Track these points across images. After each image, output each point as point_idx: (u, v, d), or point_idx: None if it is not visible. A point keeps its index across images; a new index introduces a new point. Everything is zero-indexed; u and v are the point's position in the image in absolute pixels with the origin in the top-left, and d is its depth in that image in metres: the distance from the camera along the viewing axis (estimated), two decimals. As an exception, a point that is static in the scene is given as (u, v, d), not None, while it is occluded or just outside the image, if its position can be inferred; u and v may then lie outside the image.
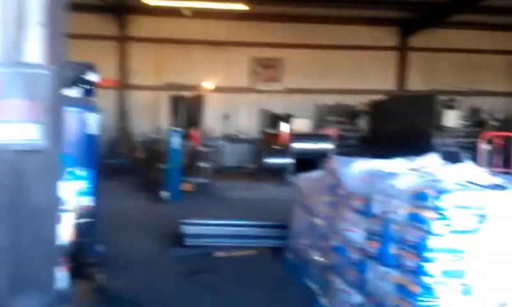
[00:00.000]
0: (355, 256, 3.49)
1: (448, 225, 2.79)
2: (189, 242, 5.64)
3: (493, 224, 2.85)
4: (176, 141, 8.96)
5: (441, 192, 2.79)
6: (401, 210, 3.03)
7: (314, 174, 5.17)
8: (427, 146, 12.86)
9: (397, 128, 13.52)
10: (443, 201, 2.77)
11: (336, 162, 4.18)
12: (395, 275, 3.04)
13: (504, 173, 8.17)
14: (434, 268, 2.80)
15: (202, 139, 10.73)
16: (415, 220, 2.91)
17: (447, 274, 2.81)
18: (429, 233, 2.81)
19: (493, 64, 17.07)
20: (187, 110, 12.27)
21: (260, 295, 4.50)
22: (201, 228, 5.95)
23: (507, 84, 17.21)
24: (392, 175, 3.30)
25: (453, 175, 3.04)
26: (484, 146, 14.70)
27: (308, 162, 11.86)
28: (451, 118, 15.34)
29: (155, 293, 4.47)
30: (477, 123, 16.46)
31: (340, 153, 12.19)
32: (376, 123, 14.62)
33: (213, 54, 14.93)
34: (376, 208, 3.28)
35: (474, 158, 13.36)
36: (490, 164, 8.97)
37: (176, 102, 12.79)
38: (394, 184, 3.12)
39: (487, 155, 13.89)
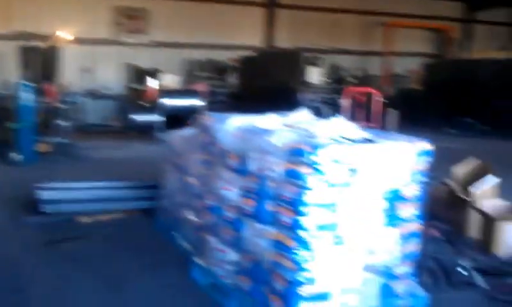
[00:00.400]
0: (231, 214, 3.42)
1: (322, 180, 2.81)
2: (47, 208, 5.06)
3: (363, 177, 2.94)
4: (27, 97, 8.05)
5: (316, 147, 2.79)
6: (277, 167, 2.99)
7: (186, 132, 4.97)
8: (293, 102, 13.36)
9: (265, 84, 13.76)
10: (318, 156, 2.77)
11: (210, 118, 4.02)
12: (271, 231, 3.02)
13: (367, 127, 8.75)
14: (309, 222, 2.82)
15: (59, 94, 9.82)
16: (291, 176, 2.89)
17: (321, 227, 2.85)
18: (305, 188, 2.81)
19: (351, 24, 18.04)
20: (40, 62, 11.15)
21: (132, 261, 4.27)
22: (61, 192, 5.44)
23: (364, 43, 18.33)
24: (266, 131, 3.24)
25: (326, 130, 3.06)
26: (346, 102, 15.64)
27: (177, 118, 11.57)
28: (314, 75, 16.02)
29: (5, 269, 4.00)
30: (337, 79, 17.45)
31: (210, 110, 12.10)
32: (245, 78, 14.74)
33: (70, 0, 13.71)
34: (252, 166, 3.21)
35: (336, 114, 14.22)
36: (353, 119, 9.52)
37: (26, 53, 11.57)
38: (269, 140, 3.06)
39: (349, 110, 14.77)
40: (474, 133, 12.87)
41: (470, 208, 4.88)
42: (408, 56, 18.45)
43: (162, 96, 11.07)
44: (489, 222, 4.59)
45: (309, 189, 2.81)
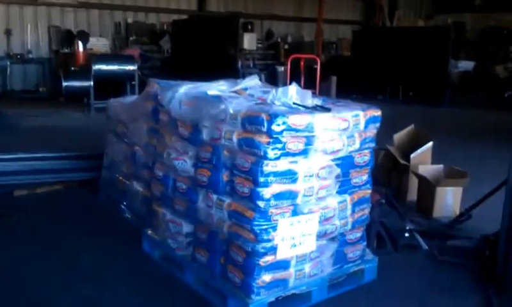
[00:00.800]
0: (184, 185, 3.34)
1: (280, 149, 2.79)
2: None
3: (318, 145, 2.94)
4: None
5: (274, 115, 2.75)
6: (233, 136, 2.93)
7: (128, 99, 4.78)
8: (230, 69, 13.21)
9: (201, 49, 13.49)
10: (277, 125, 2.74)
11: (156, 85, 3.87)
12: (228, 202, 2.98)
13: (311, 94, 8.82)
14: (267, 192, 2.81)
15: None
16: (248, 145, 2.84)
17: (279, 196, 2.84)
18: (262, 157, 2.78)
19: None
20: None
21: (79, 236, 4.10)
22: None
23: (298, 10, 18.40)
24: (219, 99, 3.16)
25: (279, 98, 3.02)
26: (281, 68, 15.68)
27: (110, 84, 11.19)
28: (249, 41, 15.93)
29: None
30: (271, 45, 17.45)
31: (143, 75, 11.77)
32: (180, 44, 14.36)
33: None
34: (206, 135, 3.13)
35: (272, 80, 14.23)
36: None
37: None
38: (224, 109, 2.98)
39: (283, 76, 14.83)
40: (400, 100, 13.38)
41: (410, 174, 5.09)
42: (339, 24, 18.77)
43: (94, 61, 10.57)
44: (428, 187, 4.80)
45: (267, 159, 2.78)
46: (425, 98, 13.02)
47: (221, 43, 13.30)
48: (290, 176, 2.86)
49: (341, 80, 13.92)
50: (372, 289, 3.37)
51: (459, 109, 12.54)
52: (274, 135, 2.76)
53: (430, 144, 5.17)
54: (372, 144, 3.31)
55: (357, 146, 3.17)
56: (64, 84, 10.13)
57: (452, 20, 17.87)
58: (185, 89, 3.40)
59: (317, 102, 3.16)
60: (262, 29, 17.76)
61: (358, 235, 3.37)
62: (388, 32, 16.14)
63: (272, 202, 2.83)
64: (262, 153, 2.77)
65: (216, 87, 3.48)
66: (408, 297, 3.32)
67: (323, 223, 3.07)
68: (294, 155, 2.85)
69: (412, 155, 5.10)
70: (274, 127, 2.74)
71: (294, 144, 2.83)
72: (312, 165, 2.95)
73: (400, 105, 12.51)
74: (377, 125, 3.28)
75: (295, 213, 2.93)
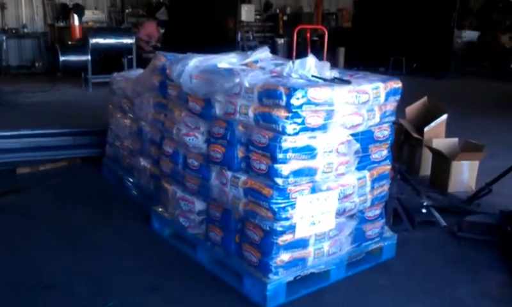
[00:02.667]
0: (195, 162, 3.20)
1: (299, 123, 2.65)
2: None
3: (338, 119, 2.81)
4: None
5: (293, 89, 2.60)
6: (248, 111, 2.79)
7: (133, 73, 4.62)
8: (229, 41, 12.95)
9: (199, 21, 13.20)
10: (296, 99, 2.59)
11: (163, 59, 3.71)
12: (244, 179, 2.85)
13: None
14: (286, 169, 2.68)
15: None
16: (265, 120, 2.70)
17: (298, 173, 2.71)
18: (281, 133, 2.65)
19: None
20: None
21: (85, 214, 3.98)
22: (-5, 141, 4.98)
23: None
24: (233, 72, 3.01)
25: (296, 70, 2.87)
26: (280, 40, 15.39)
27: (108, 59, 10.96)
28: (247, 12, 15.61)
29: None
30: (269, 17, 17.12)
31: (140, 49, 11.51)
32: (177, 16, 14.05)
33: None
34: (219, 110, 2.99)
35: (272, 53, 13.97)
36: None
37: None
38: (239, 82, 2.83)
39: (283, 49, 14.57)
40: (402, 71, 13.16)
41: (424, 147, 4.96)
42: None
43: (90, 35, 10.30)
44: (443, 161, 4.69)
45: (286, 134, 2.64)
46: (430, 70, 12.81)
47: (219, 15, 13.01)
48: (309, 152, 2.73)
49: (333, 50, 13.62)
50: (391, 267, 3.28)
51: (465, 80, 12.36)
52: (293, 110, 2.62)
53: (444, 116, 5.03)
54: (392, 118, 3.18)
55: (377, 120, 3.04)
56: (62, 58, 9.87)
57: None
58: (195, 62, 3.23)
59: (335, 74, 3.01)
60: (260, 0, 17.41)
61: (377, 212, 3.26)
62: (390, 2, 15.78)
63: (291, 179, 2.70)
64: (280, 128, 2.64)
65: (227, 60, 3.32)
66: (427, 275, 3.22)
67: (342, 200, 2.96)
68: (313, 129, 2.71)
69: (426, 129, 4.97)
70: (293, 101, 2.59)
71: (314, 119, 2.69)
72: (331, 141, 2.82)
73: (404, 77, 12.29)
74: (398, 97, 3.15)
75: (314, 190, 2.81)
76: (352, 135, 2.94)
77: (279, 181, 2.68)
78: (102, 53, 10.42)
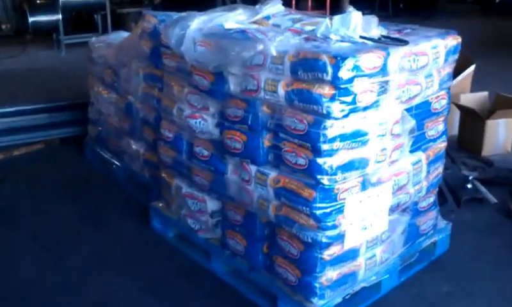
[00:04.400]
0: (205, 151, 2.54)
1: (350, 103, 1.99)
2: None
3: (393, 92, 2.16)
4: None
5: (342, 57, 1.93)
6: (278, 87, 2.11)
7: (114, 37, 3.86)
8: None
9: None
10: (347, 70, 1.92)
11: (154, 20, 2.97)
12: (274, 176, 2.21)
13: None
14: (333, 163, 2.04)
15: None
16: (303, 100, 2.04)
17: (347, 167, 2.08)
18: (325, 116, 1.99)
19: None
20: None
21: (70, 209, 3.34)
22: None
23: None
24: (249, 36, 2.31)
25: (336, 30, 2.18)
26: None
27: (81, 16, 9.99)
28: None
29: None
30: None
31: (114, 4, 10.50)
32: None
33: None
34: (234, 86, 2.30)
35: (252, 1, 12.98)
36: (301, 8, 8.42)
37: None
38: (263, 49, 2.14)
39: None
40: (389, 13, 12.37)
41: (451, 105, 4.34)
42: None
43: (60, -9, 9.24)
44: (476, 120, 4.09)
45: (331, 117, 1.98)
46: (417, 9, 12.07)
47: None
48: (360, 138, 2.09)
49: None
50: (448, 266, 2.71)
51: (455, 19, 11.63)
52: (342, 85, 1.95)
53: (472, 68, 4.39)
54: (450, 83, 2.54)
55: (435, 87, 2.40)
56: (31, 19, 8.85)
57: None
58: (197, 23, 2.51)
59: (382, 31, 2.32)
60: None
61: (431, 200, 2.67)
62: None
63: (339, 175, 2.06)
64: (324, 110, 1.98)
65: (233, 18, 2.61)
66: (495, 273, 2.66)
67: (396, 193, 2.34)
68: (364, 109, 2.06)
69: (452, 82, 4.32)
70: (343, 73, 1.92)
71: (366, 95, 2.03)
72: (384, 120, 2.17)
73: (391, 19, 11.53)
74: (456, 56, 2.49)
75: (364, 186, 2.18)
76: (406, 109, 2.30)
77: (324, 179, 2.04)
78: (73, 11, 9.48)
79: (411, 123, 2.32)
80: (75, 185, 3.69)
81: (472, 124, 4.17)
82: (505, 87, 4.89)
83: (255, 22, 2.64)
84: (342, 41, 2.14)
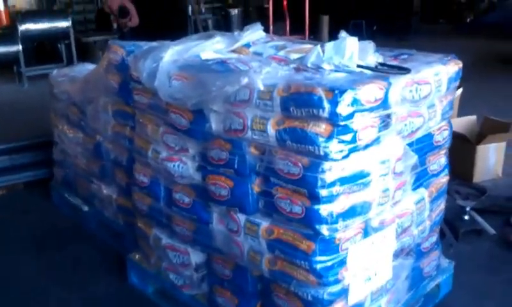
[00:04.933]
0: (186, 198, 2.26)
1: (350, 141, 1.76)
2: None
3: (395, 126, 1.94)
4: None
5: (340, 90, 1.70)
6: (267, 126, 1.87)
7: (78, 70, 3.57)
8: (178, 15, 11.69)
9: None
10: (345, 105, 1.69)
11: (121, 51, 2.70)
12: (267, 226, 1.95)
13: (300, 39, 7.49)
14: (333, 210, 1.80)
15: None
16: (296, 139, 1.79)
17: (349, 213, 1.84)
18: (322, 157, 1.75)
19: None
20: None
21: (35, 267, 2.99)
22: None
23: None
24: (231, 68, 2.07)
25: (329, 59, 1.96)
26: (234, 11, 14.20)
27: (44, 46, 9.63)
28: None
29: None
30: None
31: (79, 32, 10.14)
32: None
33: None
34: (217, 125, 2.05)
35: (225, 25, 12.80)
36: (279, 30, 8.19)
37: None
38: (248, 83, 1.90)
39: (237, 21, 13.33)
40: (363, 35, 12.39)
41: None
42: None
43: (19, 20, 8.85)
44: (466, 145, 3.92)
45: (330, 159, 1.75)
46: (391, 31, 12.10)
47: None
48: (361, 180, 1.85)
49: (298, 19, 12.63)
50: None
51: (428, 39, 11.71)
52: (341, 122, 1.72)
53: (459, 91, 4.25)
54: (451, 112, 2.34)
55: (438, 118, 2.19)
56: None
57: None
58: (171, 54, 2.25)
59: (378, 58, 2.11)
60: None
61: (434, 239, 2.44)
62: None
63: (340, 224, 1.82)
64: (322, 152, 1.74)
65: (211, 47, 2.37)
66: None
67: (400, 237, 2.11)
68: (366, 147, 1.83)
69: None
70: (341, 108, 1.69)
71: (367, 132, 1.81)
72: (386, 158, 1.94)
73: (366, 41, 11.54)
74: (458, 83, 2.30)
75: (367, 233, 1.95)
76: (408, 144, 2.09)
77: (323, 229, 1.79)
78: (34, 40, 9.09)
79: (414, 158, 2.10)
80: (42, 234, 3.35)
81: (462, 150, 4.00)
82: (490, 109, 4.80)
83: (234, 51, 2.41)
84: (336, 71, 1.92)
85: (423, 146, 2.17)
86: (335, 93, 1.69)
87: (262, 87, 1.87)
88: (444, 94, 2.18)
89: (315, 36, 8.84)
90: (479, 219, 3.19)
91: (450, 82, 2.18)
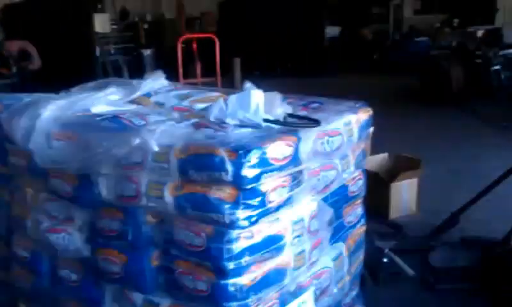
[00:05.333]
0: (74, 275, 1.93)
1: (258, 205, 1.55)
2: None
3: (308, 182, 1.76)
4: None
5: (244, 149, 1.49)
6: (164, 192, 1.62)
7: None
8: (86, 58, 11.13)
9: (45, 39, 11.22)
10: (250, 166, 1.49)
11: (0, 104, 2.34)
12: (170, 306, 1.68)
13: (215, 83, 7.24)
14: (243, 284, 1.56)
15: None
16: (198, 207, 1.56)
17: (262, 284, 1.62)
18: (228, 226, 1.53)
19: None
20: None
21: None
22: None
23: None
24: (124, 125, 1.81)
25: (233, 113, 1.75)
26: (147, 52, 13.85)
27: None
28: (101, 23, 13.88)
29: None
30: (128, 26, 15.54)
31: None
32: (15, 34, 11.89)
33: None
34: (108, 191, 1.76)
35: (136, 67, 12.41)
36: (189, 74, 7.89)
37: None
38: (141, 144, 1.64)
39: (150, 62, 13.07)
40: (277, 73, 12.56)
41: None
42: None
43: None
44: (380, 183, 3.89)
45: (237, 227, 1.53)
46: (304, 69, 12.35)
47: (70, 29, 11.15)
48: (273, 245, 1.64)
49: (210, 60, 12.57)
50: None
51: (343, 77, 12.09)
52: (247, 185, 1.51)
53: (370, 129, 4.23)
54: (364, 161, 2.21)
55: (351, 168, 2.05)
56: None
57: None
58: (53, 109, 1.95)
59: (287, 108, 1.93)
60: (115, 7, 15.81)
61: (354, 293, 2.29)
62: (256, 2, 15.05)
63: (252, 298, 1.60)
64: (227, 219, 1.51)
65: (104, 99, 2.10)
66: None
67: (319, 299, 1.92)
68: (277, 209, 1.63)
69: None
70: (247, 170, 1.49)
71: (277, 192, 1.61)
72: (300, 218, 1.76)
73: (280, 79, 11.66)
74: (370, 130, 2.19)
75: (283, 302, 1.73)
76: (324, 199, 1.92)
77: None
78: None
79: (329, 213, 1.94)
80: None
81: (376, 188, 3.95)
82: (402, 145, 4.88)
83: (133, 101, 2.16)
84: (242, 126, 1.71)
85: (338, 198, 2.01)
86: (239, 153, 1.48)
87: (156, 149, 1.62)
88: (356, 144, 2.05)
89: (229, 77, 8.72)
90: (398, 260, 3.10)
91: (361, 131, 2.06)
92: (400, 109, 7.87)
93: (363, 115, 2.08)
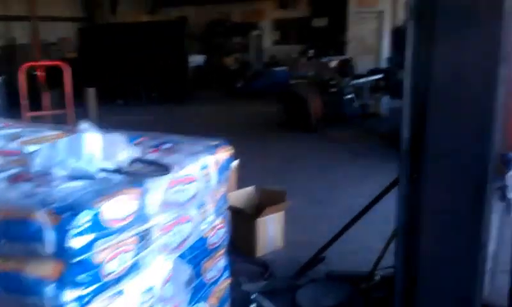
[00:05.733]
0: None
1: (90, 282, 1.23)
2: None
3: (158, 241, 1.48)
4: None
5: (72, 210, 1.17)
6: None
7: None
8: None
9: None
10: (78, 234, 1.17)
11: None
12: None
13: (65, 114, 6.54)
14: None
15: None
16: (12, 288, 1.20)
17: None
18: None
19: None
20: None
21: None
22: None
23: (6, 7, 15.22)
24: None
25: (62, 162, 1.41)
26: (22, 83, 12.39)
27: None
28: None
29: None
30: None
31: None
32: None
33: None
34: None
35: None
36: (36, 107, 6.99)
37: None
38: None
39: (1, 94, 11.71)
40: (142, 102, 12.13)
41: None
42: (58, 21, 16.27)
43: None
44: (245, 220, 3.71)
45: (63, 311, 1.19)
46: (169, 97, 12.07)
47: None
48: (115, 327, 1.32)
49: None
50: None
51: (204, 104, 12.00)
52: (76, 258, 1.18)
53: (236, 162, 4.06)
54: (226, 206, 1.99)
55: (211, 217, 1.81)
56: None
57: (175, 14, 17.34)
58: None
59: (133, 152, 1.64)
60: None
61: (221, 357, 2.02)
62: (117, 29, 14.40)
63: None
64: (49, 304, 1.17)
65: None
66: None
67: None
68: (118, 280, 1.32)
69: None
70: (73, 240, 1.16)
71: (119, 260, 1.30)
72: (150, 285, 1.46)
73: (144, 108, 11.22)
74: (229, 171, 1.97)
75: None
76: (180, 257, 1.65)
77: None
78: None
79: (187, 272, 1.67)
80: None
81: (243, 224, 3.77)
82: (266, 175, 4.78)
83: None
84: (72, 178, 1.38)
85: (197, 253, 1.75)
86: (64, 217, 1.16)
87: None
88: (216, 189, 1.82)
89: (83, 107, 8.05)
90: (267, 304, 2.91)
91: (221, 173, 1.83)
92: (264, 137, 7.91)
93: (223, 155, 1.86)
